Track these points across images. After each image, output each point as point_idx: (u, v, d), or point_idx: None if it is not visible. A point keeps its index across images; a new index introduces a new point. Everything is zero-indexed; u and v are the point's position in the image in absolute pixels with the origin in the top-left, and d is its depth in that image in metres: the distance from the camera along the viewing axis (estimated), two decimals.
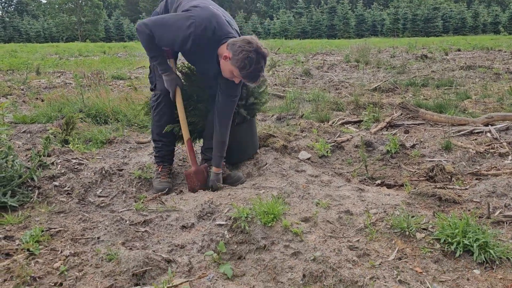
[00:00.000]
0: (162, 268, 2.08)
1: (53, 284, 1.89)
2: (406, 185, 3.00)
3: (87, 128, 4.46)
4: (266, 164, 3.29)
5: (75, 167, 3.17)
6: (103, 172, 3.05)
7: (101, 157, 3.57)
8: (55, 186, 2.86)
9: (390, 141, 3.71)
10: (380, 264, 2.01)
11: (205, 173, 3.04)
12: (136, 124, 4.68)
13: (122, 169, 3.23)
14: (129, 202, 2.74)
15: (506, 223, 2.48)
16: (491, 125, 4.07)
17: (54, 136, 4.00)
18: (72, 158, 3.34)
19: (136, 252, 2.09)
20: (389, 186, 3.17)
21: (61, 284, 1.90)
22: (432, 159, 3.50)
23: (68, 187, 2.85)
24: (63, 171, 3.05)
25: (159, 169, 3.16)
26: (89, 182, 2.91)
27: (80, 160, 3.34)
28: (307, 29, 46.56)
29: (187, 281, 1.96)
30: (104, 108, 4.90)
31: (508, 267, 2.06)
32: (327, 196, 2.71)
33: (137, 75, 9.02)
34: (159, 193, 2.90)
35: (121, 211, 2.61)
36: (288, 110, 5.36)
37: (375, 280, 1.85)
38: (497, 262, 2.06)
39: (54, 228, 2.38)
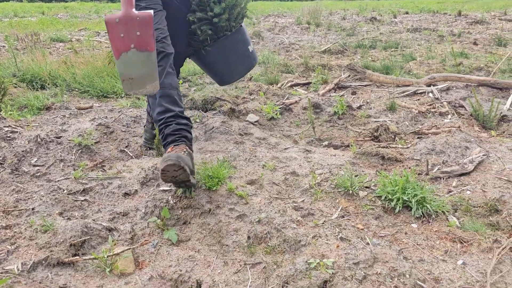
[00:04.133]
0: (103, 237, 2.00)
1: None
2: (351, 145, 3.04)
3: (21, 94, 4.15)
4: (213, 127, 3.22)
5: (8, 135, 2.95)
6: (39, 139, 2.87)
7: (37, 124, 3.36)
8: None
9: (337, 102, 3.73)
10: (323, 223, 2.05)
11: (142, 23, 1.73)
12: (76, 89, 4.42)
13: (61, 137, 3.05)
14: (68, 171, 2.61)
15: (443, 178, 2.59)
16: (433, 85, 4.20)
17: None
18: (4, 126, 3.10)
19: (74, 221, 2.00)
20: (335, 147, 3.21)
21: None
22: (377, 120, 3.57)
23: (0, 157, 2.66)
24: None
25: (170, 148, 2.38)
26: (23, 151, 2.73)
27: (14, 128, 3.11)
28: None
29: (129, 248, 1.90)
30: (41, 73, 4.57)
31: (443, 220, 2.16)
32: (274, 158, 2.71)
33: (78, 37, 8.48)
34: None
35: (58, 180, 2.47)
36: None
37: (318, 239, 1.88)
38: (433, 216, 2.15)
39: None
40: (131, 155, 2.98)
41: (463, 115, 3.61)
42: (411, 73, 5.05)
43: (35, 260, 1.76)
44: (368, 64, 5.36)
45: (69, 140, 3.01)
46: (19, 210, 2.16)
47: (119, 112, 3.69)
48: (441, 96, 3.96)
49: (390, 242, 1.92)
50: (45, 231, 1.95)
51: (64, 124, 3.38)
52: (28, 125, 3.25)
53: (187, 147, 2.26)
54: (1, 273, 1.68)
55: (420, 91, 4.08)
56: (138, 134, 3.26)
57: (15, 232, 1.96)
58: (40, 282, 1.66)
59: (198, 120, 3.42)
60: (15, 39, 6.80)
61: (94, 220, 2.09)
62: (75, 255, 1.87)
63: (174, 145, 2.28)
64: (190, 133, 2.44)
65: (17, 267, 1.72)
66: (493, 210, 2.21)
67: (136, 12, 1.70)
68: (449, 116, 3.53)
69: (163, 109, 2.37)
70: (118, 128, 3.33)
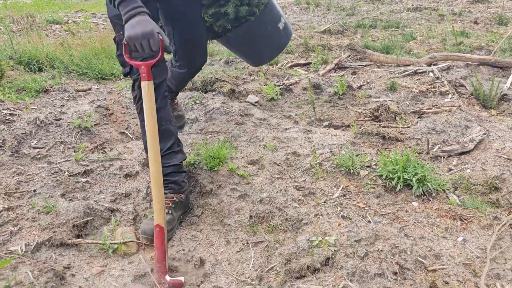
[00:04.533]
0: (106, 217, 2.02)
1: None
2: (352, 125, 3.04)
3: (19, 76, 4.11)
4: (213, 108, 3.21)
5: (7, 118, 2.94)
6: (38, 122, 2.85)
7: (36, 107, 3.33)
8: None
9: (337, 82, 3.71)
10: (324, 202, 2.06)
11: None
12: (74, 71, 4.38)
13: (60, 119, 3.04)
14: (68, 153, 2.60)
15: (443, 157, 2.59)
16: (434, 65, 4.16)
17: None
18: (3, 109, 3.08)
19: (76, 203, 2.00)
20: (336, 127, 3.21)
21: None
22: (377, 100, 3.56)
23: None
24: None
25: None
26: (22, 133, 2.72)
27: (12, 110, 3.09)
28: None
29: (132, 240, 1.91)
30: (38, 55, 4.52)
31: (444, 198, 2.17)
32: (275, 139, 2.70)
33: (75, 19, 8.37)
34: (143, 237, 1.90)
35: (59, 162, 2.47)
36: None
37: (319, 217, 1.89)
38: (434, 194, 2.17)
39: None
40: (132, 137, 2.97)
41: (464, 94, 3.59)
42: (411, 52, 5.00)
43: (39, 241, 1.77)
44: (368, 44, 5.31)
45: (69, 122, 3.00)
46: (20, 192, 2.16)
47: (118, 94, 3.66)
48: (441, 75, 3.93)
49: (391, 220, 1.94)
50: (48, 213, 1.96)
51: (63, 106, 3.36)
52: (27, 108, 3.23)
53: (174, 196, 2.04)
54: (5, 254, 1.70)
55: (421, 70, 4.05)
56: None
57: (18, 213, 1.97)
58: (44, 263, 1.68)
59: (198, 101, 3.40)
60: (10, 21, 6.71)
61: (96, 201, 2.09)
62: (78, 236, 1.88)
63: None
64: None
65: (20, 248, 1.73)
66: (493, 188, 2.22)
67: (168, 279, 1.65)
68: (450, 96, 3.52)
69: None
70: (117, 110, 3.31)
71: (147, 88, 1.69)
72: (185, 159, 2.12)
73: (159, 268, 1.64)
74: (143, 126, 2.00)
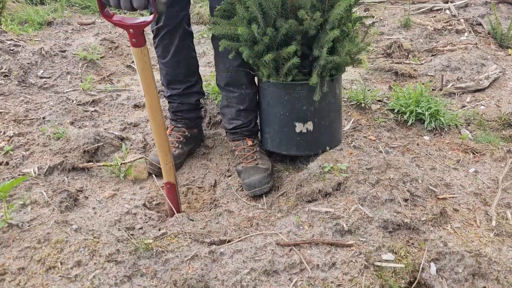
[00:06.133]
0: (115, 145, 2.01)
1: None
2: (364, 61, 2.96)
3: (20, 8, 3.98)
4: None
5: (11, 48, 2.87)
6: (43, 52, 2.79)
7: (40, 39, 3.25)
8: None
9: None
10: None
11: None
12: (77, 4, 4.23)
13: (65, 50, 2.97)
14: (75, 83, 2.56)
15: (457, 94, 2.54)
16: (451, 2, 3.99)
17: None
18: (7, 40, 3.00)
19: (86, 129, 2.00)
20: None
21: (7, 163, 1.80)
22: (390, 37, 3.44)
23: (5, 69, 2.60)
24: None
25: (168, 131, 1.99)
26: (28, 63, 2.66)
27: (16, 41, 3.01)
28: None
29: (142, 157, 1.91)
30: None
31: (456, 133, 2.14)
32: None
33: None
34: (151, 168, 1.87)
35: (66, 92, 2.44)
36: None
37: None
38: (446, 129, 2.14)
39: None
40: None
41: (480, 33, 3.47)
42: None
43: (51, 165, 1.77)
44: None
45: (74, 54, 2.93)
46: (30, 119, 2.15)
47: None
48: (458, 13, 3.78)
49: (402, 152, 1.93)
50: (58, 138, 1.96)
51: (68, 38, 3.27)
52: (30, 40, 3.15)
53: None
54: (19, 175, 1.71)
55: (437, 7, 3.89)
56: None
57: (28, 139, 1.97)
58: (57, 185, 1.69)
59: (205, 35, 3.30)
60: None
61: (105, 129, 2.09)
62: (89, 161, 1.89)
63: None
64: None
65: (33, 170, 1.74)
66: (506, 124, 2.19)
67: None
68: (466, 34, 3.40)
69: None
70: (123, 43, 3.23)
71: (140, 54, 1.31)
72: (203, 97, 2.09)
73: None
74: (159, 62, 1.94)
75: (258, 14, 1.57)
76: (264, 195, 1.71)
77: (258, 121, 1.92)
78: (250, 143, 1.85)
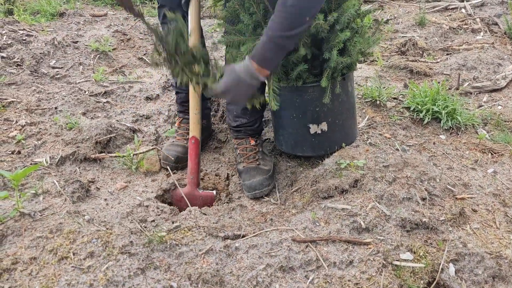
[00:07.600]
0: (128, 137, 2.00)
1: (10, 153, 1.78)
2: (378, 59, 2.92)
3: None
4: None
5: (23, 38, 2.86)
6: (56, 43, 2.78)
7: (52, 29, 3.24)
8: (2, 57, 2.59)
9: None
10: None
11: (205, 201, 1.70)
12: None
13: (77, 41, 2.96)
14: (87, 74, 2.55)
15: (474, 93, 2.49)
16: (467, 0, 3.93)
17: None
18: (19, 29, 3.00)
19: (99, 120, 1.98)
20: (361, 61, 3.09)
21: (19, 152, 1.79)
22: (405, 35, 3.40)
23: (18, 59, 2.60)
24: (9, 42, 2.75)
25: (177, 124, 2.02)
26: (40, 53, 2.65)
27: (29, 31, 3.01)
28: None
29: (155, 147, 1.89)
30: None
31: (472, 132, 2.10)
32: None
33: None
34: (165, 163, 1.85)
35: (78, 82, 2.43)
36: None
37: None
38: (462, 128, 2.10)
39: (6, 99, 2.19)
40: (150, 62, 2.89)
41: (496, 33, 3.41)
42: None
43: (63, 155, 1.76)
44: None
45: (86, 45, 2.92)
46: (42, 109, 2.14)
47: (135, 20, 3.54)
48: (474, 12, 3.72)
49: (419, 151, 1.89)
50: (70, 129, 1.94)
51: (80, 30, 3.26)
52: (43, 30, 3.14)
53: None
54: (31, 164, 1.70)
55: (452, 6, 3.83)
56: None
57: (40, 128, 1.95)
58: (69, 175, 1.68)
59: (218, 30, 3.27)
60: None
61: (117, 121, 2.07)
62: (101, 152, 1.87)
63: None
64: None
65: (45, 160, 1.73)
66: None
67: (200, 192, 1.69)
68: (481, 33, 3.34)
69: None
70: (135, 35, 3.21)
71: None
72: None
73: (191, 180, 1.65)
74: None
75: (262, 22, 1.54)
76: (278, 191, 1.69)
77: (262, 120, 1.89)
78: (253, 142, 1.82)
